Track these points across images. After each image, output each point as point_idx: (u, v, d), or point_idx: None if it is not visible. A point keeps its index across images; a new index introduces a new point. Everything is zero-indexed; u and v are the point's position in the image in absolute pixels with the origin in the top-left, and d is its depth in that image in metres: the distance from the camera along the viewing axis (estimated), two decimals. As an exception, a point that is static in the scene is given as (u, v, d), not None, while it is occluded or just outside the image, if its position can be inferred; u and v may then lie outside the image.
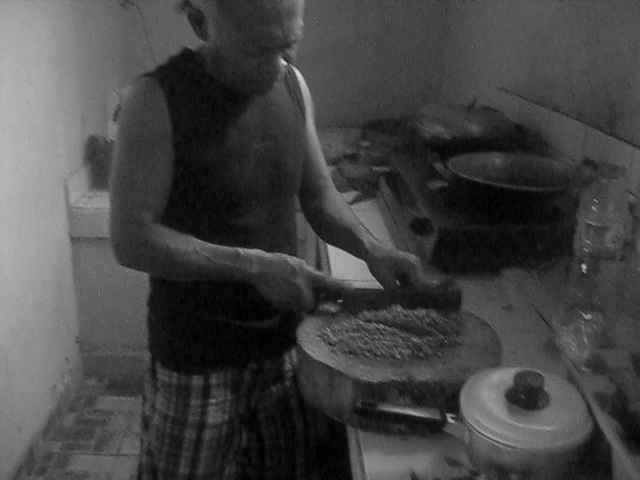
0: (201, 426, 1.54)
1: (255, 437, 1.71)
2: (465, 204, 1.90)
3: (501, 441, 1.02)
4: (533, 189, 1.78)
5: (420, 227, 1.86)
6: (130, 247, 1.38)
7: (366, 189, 2.49)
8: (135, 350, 3.04)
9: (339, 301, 1.42)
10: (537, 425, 1.03)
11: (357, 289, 1.41)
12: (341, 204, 1.67)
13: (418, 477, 1.01)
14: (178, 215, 1.41)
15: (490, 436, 1.03)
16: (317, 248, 2.42)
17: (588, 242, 1.43)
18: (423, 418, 1.07)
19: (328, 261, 1.90)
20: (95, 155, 3.31)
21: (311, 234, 2.48)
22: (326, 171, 1.71)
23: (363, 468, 1.10)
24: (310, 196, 1.67)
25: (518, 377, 1.07)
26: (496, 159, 2.01)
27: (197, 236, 1.38)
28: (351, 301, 1.40)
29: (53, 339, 2.96)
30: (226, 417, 1.56)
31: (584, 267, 1.47)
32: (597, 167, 1.86)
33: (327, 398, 1.21)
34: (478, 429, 1.04)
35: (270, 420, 1.70)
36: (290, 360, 1.68)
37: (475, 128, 2.29)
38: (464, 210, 1.87)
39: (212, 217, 1.44)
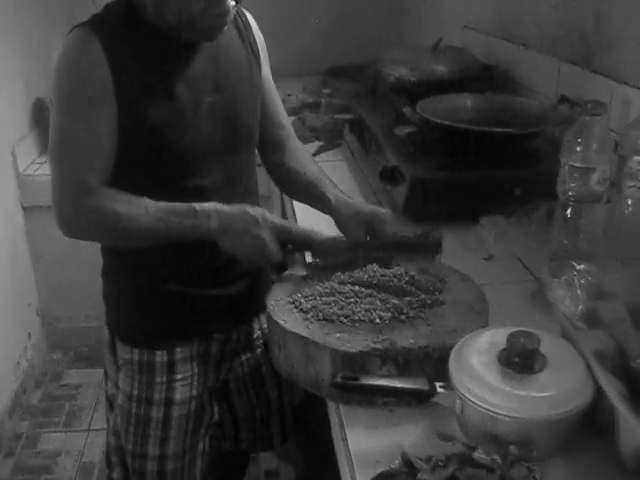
0: (168, 403, 1.44)
1: (227, 409, 1.62)
2: (436, 150, 1.79)
3: (496, 410, 0.93)
4: (509, 130, 1.67)
5: (390, 176, 1.76)
6: (76, 216, 1.25)
7: (330, 139, 2.37)
8: (99, 320, 2.84)
9: (307, 255, 1.33)
10: (535, 391, 0.94)
11: (327, 238, 1.31)
12: (304, 156, 1.55)
13: (409, 455, 0.92)
14: (126, 179, 1.28)
15: (484, 405, 0.94)
16: (282, 204, 2.30)
17: (572, 185, 1.34)
18: (410, 389, 0.97)
19: (295, 217, 1.79)
20: (43, 119, 3.13)
21: (276, 190, 2.37)
22: (286, 120, 1.58)
23: (347, 445, 1.00)
24: (270, 149, 1.55)
25: (511, 338, 0.98)
26: (467, 100, 1.90)
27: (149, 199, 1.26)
28: (321, 251, 1.30)
29: (12, 314, 2.84)
30: (194, 392, 1.46)
31: (569, 212, 1.38)
32: (574, 104, 1.78)
33: (303, 371, 1.11)
34: (470, 398, 0.95)
35: (242, 391, 1.61)
36: (260, 326, 1.59)
37: (441, 69, 2.18)
38: (435, 156, 1.77)
39: (163, 179, 1.31)
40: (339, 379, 0.96)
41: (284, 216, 2.16)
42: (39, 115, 3.14)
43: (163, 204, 1.26)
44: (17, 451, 2.61)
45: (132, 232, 1.25)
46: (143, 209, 1.24)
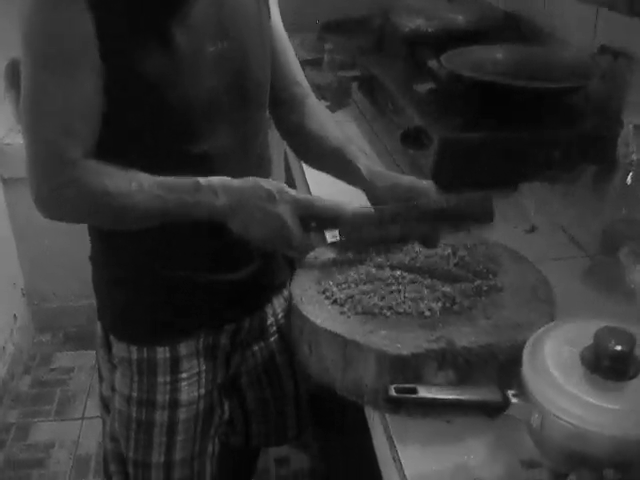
0: (173, 406, 1.26)
1: (238, 404, 1.45)
2: (464, 108, 1.62)
3: (588, 427, 0.75)
4: (550, 85, 1.48)
5: (413, 139, 1.57)
6: (54, 194, 1.05)
7: (337, 98, 2.16)
8: (89, 298, 2.68)
9: (334, 235, 1.14)
10: (632, 402, 0.76)
11: (358, 211, 1.11)
12: (326, 118, 1.34)
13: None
14: (115, 149, 1.08)
15: (571, 420, 0.76)
16: (288, 173, 2.10)
17: (635, 147, 1.15)
18: (481, 402, 0.79)
19: (308, 190, 1.59)
20: (19, 82, 2.89)
21: (278, 156, 2.17)
22: (302, 75, 1.37)
23: (401, 467, 0.83)
24: (286, 109, 1.34)
25: (600, 337, 0.80)
26: (496, 53, 1.70)
27: (143, 172, 1.06)
28: (351, 228, 1.10)
29: (-4, 295, 2.64)
30: (202, 391, 1.29)
31: (629, 178, 1.20)
32: (618, 55, 1.59)
33: (341, 375, 0.93)
34: (554, 411, 0.77)
35: (255, 384, 1.44)
36: (273, 312, 1.40)
37: (460, 19, 1.97)
38: (464, 115, 1.59)
39: (161, 147, 1.11)
40: (393, 392, 0.78)
41: (290, 186, 1.97)
42: (15, 78, 2.90)
43: (161, 178, 1.06)
44: (7, 443, 2.43)
45: (124, 212, 1.06)
46: (137, 185, 1.04)
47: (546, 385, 0.79)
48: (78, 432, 2.46)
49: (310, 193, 1.54)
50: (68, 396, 2.65)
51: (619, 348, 0.78)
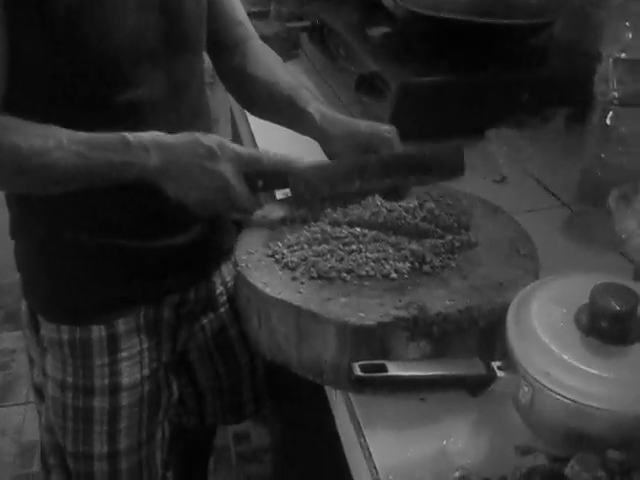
0: (114, 390, 1.12)
1: (188, 382, 1.32)
2: (423, 51, 1.48)
3: (587, 402, 0.64)
4: (517, 21, 1.36)
5: (369, 86, 1.44)
6: None
7: (285, 49, 2.01)
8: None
9: (285, 194, 1.01)
10: (636, 371, 0.65)
11: (310, 165, 0.98)
12: (273, 61, 1.20)
13: (470, 477, 0.63)
14: (28, 98, 0.93)
15: (567, 394, 0.65)
16: (234, 128, 1.95)
17: (617, 83, 1.05)
18: (462, 378, 0.67)
19: (255, 145, 1.45)
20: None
21: (224, 111, 2.02)
22: (244, 15, 1.23)
23: (370, 456, 0.71)
24: (226, 51, 1.19)
25: (596, 295, 0.68)
26: (456, -11, 1.55)
27: (62, 126, 0.91)
28: (304, 185, 0.97)
29: None
30: (146, 371, 1.15)
31: (609, 118, 1.08)
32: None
33: (295, 351, 0.80)
34: (547, 384, 0.66)
35: (206, 360, 1.31)
36: (222, 280, 1.27)
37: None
38: (422, 58, 1.46)
39: (82, 95, 0.96)
40: (359, 371, 0.65)
41: (238, 144, 1.83)
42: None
43: (83, 134, 0.91)
44: (-54, 435, 2.26)
45: (40, 174, 0.91)
46: (55, 141, 0.89)
47: (536, 353, 0.68)
48: (22, 418, 2.31)
49: (257, 148, 1.40)
50: (9, 380, 2.49)
51: (619, 307, 0.67)
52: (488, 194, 1.08)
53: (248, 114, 1.45)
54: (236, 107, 1.72)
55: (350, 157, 1.01)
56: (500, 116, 1.30)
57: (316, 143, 1.08)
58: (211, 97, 1.35)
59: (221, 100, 2.05)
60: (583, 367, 0.66)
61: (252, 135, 1.49)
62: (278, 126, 1.16)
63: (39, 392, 1.21)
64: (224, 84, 1.25)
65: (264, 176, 0.96)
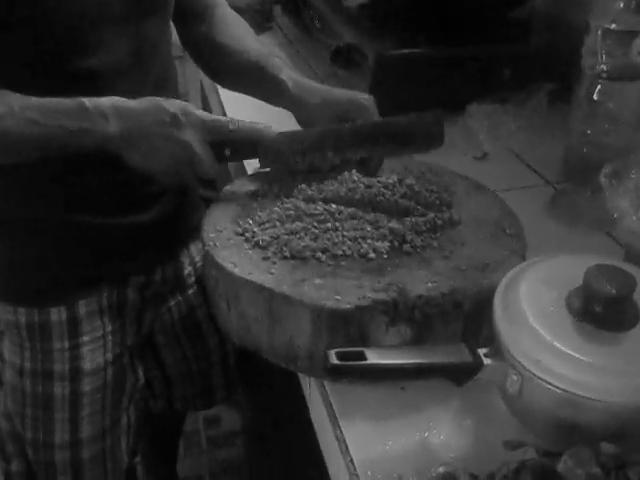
0: (75, 376, 1.06)
1: (155, 365, 1.26)
2: (400, 23, 1.42)
3: (579, 392, 0.60)
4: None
5: (345, 58, 1.38)
6: None
7: (258, 21, 1.94)
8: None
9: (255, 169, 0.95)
10: (633, 358, 0.61)
11: (281, 134, 0.92)
12: (241, 29, 1.14)
13: (456, 472, 0.58)
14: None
15: (558, 384, 0.60)
16: (204, 101, 1.89)
17: (606, 56, 1.00)
18: (446, 366, 0.62)
19: (222, 109, 1.39)
20: None
21: (194, 83, 1.94)
22: None
23: (347, 450, 0.66)
24: (193, 19, 1.12)
25: (589, 278, 0.64)
26: (435, -42, 1.49)
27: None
28: (274, 155, 0.91)
29: None
30: (109, 356, 1.09)
31: (596, 92, 1.04)
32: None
33: (266, 336, 0.75)
34: (537, 372, 0.61)
35: (173, 343, 1.25)
36: (191, 260, 1.21)
37: None
38: (400, 30, 1.39)
39: (40, 61, 0.89)
40: (335, 360, 0.60)
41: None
42: None
43: (37, 100, 0.85)
44: None
45: None
46: (5, 107, 0.83)
47: (525, 339, 0.63)
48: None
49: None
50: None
51: (615, 291, 0.62)
52: (469, 171, 1.03)
53: (219, 88, 1.39)
54: (207, 81, 1.66)
55: (323, 126, 0.95)
56: (481, 91, 1.26)
57: (290, 118, 1.02)
58: (181, 72, 1.29)
59: (191, 75, 1.99)
60: (575, 354, 0.61)
61: (223, 110, 1.43)
62: (250, 101, 1.11)
63: (-5, 376, 1.15)
64: (191, 54, 1.18)
65: (232, 145, 0.91)
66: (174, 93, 1.11)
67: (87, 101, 0.85)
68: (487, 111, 1.25)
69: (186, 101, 0.92)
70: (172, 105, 0.87)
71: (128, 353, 1.13)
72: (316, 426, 0.75)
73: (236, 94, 1.15)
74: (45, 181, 0.96)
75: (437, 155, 1.01)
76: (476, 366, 0.62)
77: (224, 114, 1.40)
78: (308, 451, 0.82)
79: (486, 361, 0.63)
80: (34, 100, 0.84)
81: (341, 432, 0.67)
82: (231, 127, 0.89)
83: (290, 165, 0.91)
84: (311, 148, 0.91)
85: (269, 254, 0.77)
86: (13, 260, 1.03)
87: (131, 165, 0.88)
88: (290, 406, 1.00)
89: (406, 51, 1.30)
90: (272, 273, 0.74)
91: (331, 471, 0.70)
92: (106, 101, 0.86)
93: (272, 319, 0.73)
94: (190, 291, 1.22)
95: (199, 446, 2.03)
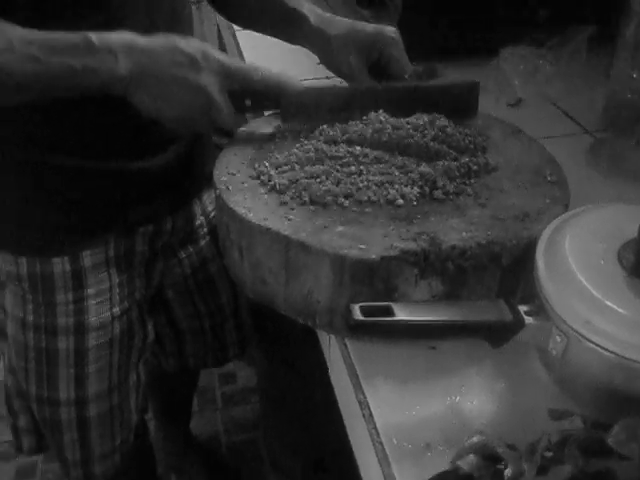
0: (80, 330, 1.00)
1: (166, 321, 1.21)
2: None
3: (633, 356, 0.53)
4: None
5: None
6: None
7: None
8: None
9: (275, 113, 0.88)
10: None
11: (308, 88, 0.86)
12: None
13: (489, 445, 0.51)
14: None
15: (611, 347, 0.53)
16: (220, 40, 1.81)
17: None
18: (483, 324, 0.55)
19: (240, 55, 1.31)
20: None
21: (208, 20, 1.87)
22: None
23: (371, 416, 0.59)
24: None
25: (648, 227, 0.56)
26: None
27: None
28: (298, 111, 0.85)
29: None
30: (116, 310, 1.03)
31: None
32: None
33: (283, 289, 0.68)
34: (586, 334, 0.54)
35: (184, 297, 1.20)
36: (203, 210, 1.15)
37: None
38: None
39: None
40: (359, 315, 0.53)
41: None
42: None
43: (38, 34, 0.77)
44: None
45: None
46: (4, 42, 0.75)
47: (572, 297, 0.56)
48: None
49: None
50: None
51: (676, 243, 0.55)
52: (503, 117, 0.95)
53: (238, 35, 1.32)
54: (224, 25, 1.58)
55: (352, 84, 0.90)
56: (516, 34, 1.19)
57: (315, 66, 0.95)
58: (197, 18, 1.22)
59: (208, 21, 1.90)
60: (629, 314, 0.54)
61: (242, 56, 1.35)
62: (270, 46, 1.03)
63: (1, 330, 1.09)
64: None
65: (253, 95, 0.84)
66: (189, 31, 1.03)
67: (94, 36, 0.77)
68: (522, 55, 1.18)
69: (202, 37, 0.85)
70: (190, 46, 0.79)
71: (137, 308, 1.08)
72: (336, 388, 0.69)
73: (255, 42, 1.08)
74: (48, 124, 0.89)
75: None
76: (516, 325, 0.56)
77: (240, 54, 1.33)
78: (327, 412, 0.76)
79: (527, 320, 0.57)
80: (36, 34, 0.77)
81: (364, 396, 0.61)
82: (254, 76, 0.82)
83: (313, 121, 0.84)
84: (338, 106, 0.86)
85: (287, 199, 0.70)
86: (12, 209, 0.97)
87: (141, 110, 0.80)
88: (308, 364, 0.94)
89: (436, -11, 1.22)
90: (290, 219, 0.67)
91: (352, 437, 0.64)
92: (116, 37, 0.78)
93: (289, 270, 0.66)
94: (202, 242, 1.16)
95: (214, 403, 1.99)
